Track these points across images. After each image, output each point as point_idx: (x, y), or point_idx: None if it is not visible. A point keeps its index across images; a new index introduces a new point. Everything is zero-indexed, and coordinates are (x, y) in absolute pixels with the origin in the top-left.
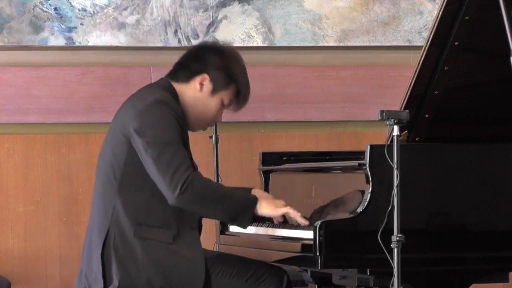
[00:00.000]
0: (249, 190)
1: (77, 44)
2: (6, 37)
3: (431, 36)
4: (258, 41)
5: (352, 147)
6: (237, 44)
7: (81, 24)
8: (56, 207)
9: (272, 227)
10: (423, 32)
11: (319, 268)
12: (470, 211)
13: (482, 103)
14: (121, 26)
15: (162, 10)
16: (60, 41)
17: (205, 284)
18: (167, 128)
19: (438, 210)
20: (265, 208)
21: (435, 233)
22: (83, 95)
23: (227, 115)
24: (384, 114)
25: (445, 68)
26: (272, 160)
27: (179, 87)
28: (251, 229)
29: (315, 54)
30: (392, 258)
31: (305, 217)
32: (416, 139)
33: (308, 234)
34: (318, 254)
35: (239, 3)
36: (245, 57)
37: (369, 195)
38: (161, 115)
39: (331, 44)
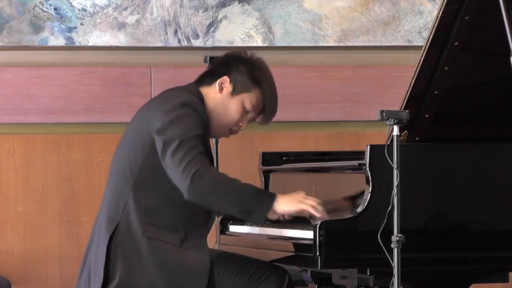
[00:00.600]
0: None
1: (77, 44)
2: (6, 37)
3: (431, 36)
4: (258, 41)
5: (352, 147)
6: (237, 44)
7: (81, 24)
8: (56, 207)
9: (272, 226)
10: (423, 32)
11: (319, 268)
12: (470, 211)
13: (482, 103)
14: (121, 26)
15: (162, 10)
16: (60, 41)
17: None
18: (190, 128)
19: (438, 210)
20: (283, 203)
21: (435, 233)
22: (83, 95)
23: None
24: (384, 114)
25: (445, 68)
26: (272, 160)
27: (203, 90)
28: (251, 229)
29: (315, 54)
30: (392, 258)
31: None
32: (416, 139)
33: (308, 234)
34: (318, 254)
35: (239, 3)
36: None
37: (369, 195)
38: (186, 117)
39: (331, 44)
